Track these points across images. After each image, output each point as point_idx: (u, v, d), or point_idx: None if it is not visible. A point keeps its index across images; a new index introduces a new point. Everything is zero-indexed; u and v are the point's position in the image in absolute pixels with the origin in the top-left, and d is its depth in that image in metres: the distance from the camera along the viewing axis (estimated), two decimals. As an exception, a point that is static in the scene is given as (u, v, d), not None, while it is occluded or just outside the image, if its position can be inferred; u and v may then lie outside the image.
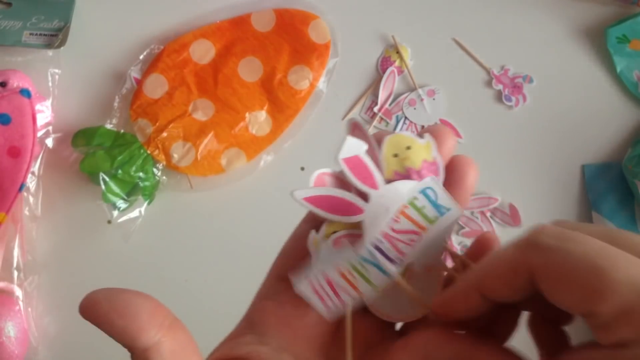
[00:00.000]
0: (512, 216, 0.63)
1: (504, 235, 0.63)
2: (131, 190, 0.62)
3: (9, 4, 0.63)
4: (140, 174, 0.61)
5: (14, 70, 0.62)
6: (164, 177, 0.63)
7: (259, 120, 0.63)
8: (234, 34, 0.63)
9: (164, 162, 0.62)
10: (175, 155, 0.62)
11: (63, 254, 0.63)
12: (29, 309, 0.61)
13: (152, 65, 0.63)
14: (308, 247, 0.31)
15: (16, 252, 0.61)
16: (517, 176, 0.64)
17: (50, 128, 0.63)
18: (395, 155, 0.30)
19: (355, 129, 0.31)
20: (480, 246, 0.31)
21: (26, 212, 0.62)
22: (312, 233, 0.31)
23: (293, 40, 0.63)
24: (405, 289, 0.30)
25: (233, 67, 0.63)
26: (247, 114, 0.63)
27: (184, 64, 0.63)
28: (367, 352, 0.31)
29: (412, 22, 0.65)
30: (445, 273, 0.31)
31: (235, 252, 0.64)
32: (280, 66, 0.63)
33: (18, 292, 0.61)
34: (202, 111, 0.63)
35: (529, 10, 0.65)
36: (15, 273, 0.61)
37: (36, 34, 0.63)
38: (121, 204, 0.61)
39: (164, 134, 0.62)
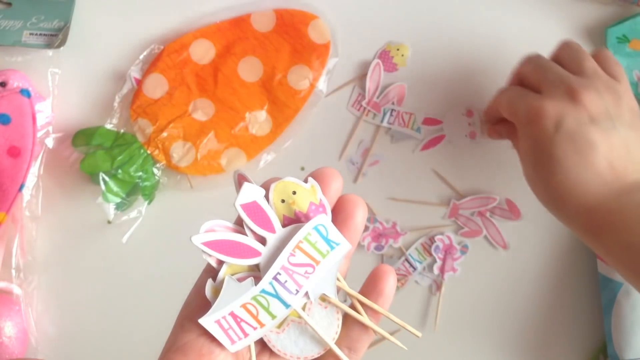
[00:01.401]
0: (511, 210, 0.63)
1: (508, 230, 0.63)
2: (131, 190, 0.62)
3: (9, 4, 0.64)
4: (140, 174, 0.62)
5: (14, 70, 0.62)
6: (164, 177, 0.63)
7: (259, 120, 0.63)
8: (234, 34, 0.63)
9: (164, 162, 0.62)
10: (175, 155, 0.62)
11: (63, 254, 0.63)
12: (29, 309, 0.61)
13: (152, 65, 0.63)
14: (206, 295, 0.33)
15: (16, 252, 0.61)
16: (516, 175, 0.64)
17: (50, 128, 0.63)
18: (283, 201, 0.33)
19: (242, 180, 0.34)
20: (374, 281, 0.35)
21: (26, 212, 0.62)
22: (209, 282, 0.33)
23: (293, 40, 0.63)
24: (305, 320, 0.33)
25: (233, 67, 0.63)
26: (247, 114, 0.63)
27: (184, 64, 0.63)
28: None
29: (412, 23, 0.65)
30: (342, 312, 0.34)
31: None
32: (280, 66, 0.63)
33: (18, 292, 0.61)
34: (202, 111, 0.63)
35: (528, 10, 0.65)
36: (15, 273, 0.61)
37: (36, 34, 0.63)
38: (121, 204, 0.62)
39: (164, 134, 0.62)
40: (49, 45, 0.62)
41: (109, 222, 0.62)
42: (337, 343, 0.34)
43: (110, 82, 0.64)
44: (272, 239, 0.33)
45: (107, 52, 0.64)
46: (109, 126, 0.62)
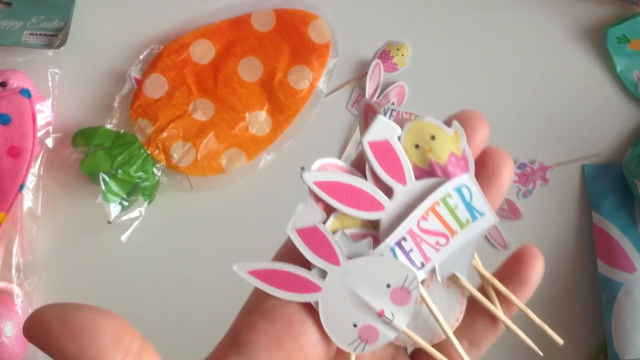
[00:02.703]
0: (511, 210, 0.63)
1: (508, 230, 0.63)
2: (131, 190, 0.62)
3: (9, 4, 0.63)
4: (141, 174, 0.61)
5: (14, 70, 0.62)
6: (164, 177, 0.63)
7: (259, 120, 0.63)
8: (234, 34, 0.63)
9: (164, 162, 0.62)
10: (175, 155, 0.62)
11: (63, 254, 0.63)
12: (29, 309, 0.61)
13: (152, 65, 0.63)
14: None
15: (16, 252, 0.61)
16: (517, 176, 0.64)
17: (50, 128, 0.63)
18: (417, 146, 0.26)
19: (369, 112, 0.28)
20: (516, 264, 0.28)
21: (26, 212, 0.62)
22: (319, 225, 0.26)
23: (293, 40, 0.63)
24: (427, 302, 0.27)
25: (233, 67, 0.63)
26: (247, 114, 0.63)
27: (184, 64, 0.63)
28: None
29: (413, 23, 0.65)
30: (468, 294, 0.28)
31: (235, 252, 0.64)
32: (280, 66, 0.63)
33: (18, 292, 0.61)
34: (202, 111, 0.63)
35: (528, 10, 0.65)
36: (15, 273, 0.61)
37: (36, 34, 0.62)
38: (121, 204, 0.62)
39: (164, 134, 0.62)
40: (49, 45, 0.62)
41: (109, 222, 0.62)
42: (456, 333, 0.29)
43: (110, 82, 0.64)
44: (400, 192, 0.26)
45: (107, 52, 0.64)
46: (109, 126, 0.62)
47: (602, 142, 0.64)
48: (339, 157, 0.64)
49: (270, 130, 0.63)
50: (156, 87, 0.62)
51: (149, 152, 0.62)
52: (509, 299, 0.28)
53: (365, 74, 0.64)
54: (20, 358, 0.60)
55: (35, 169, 0.62)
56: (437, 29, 0.65)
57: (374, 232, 0.26)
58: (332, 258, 0.25)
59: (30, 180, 0.62)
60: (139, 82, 0.63)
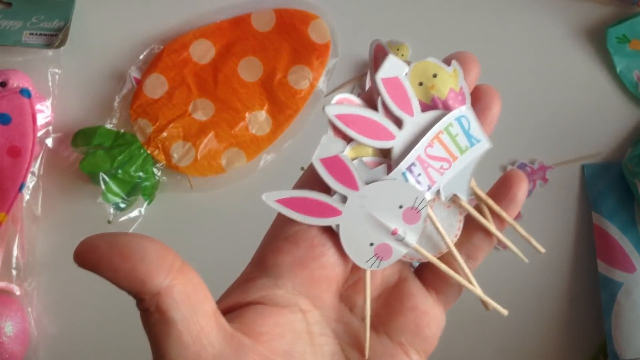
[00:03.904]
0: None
1: (508, 230, 0.63)
2: (131, 190, 0.62)
3: (9, 4, 0.63)
4: (140, 174, 0.62)
5: (14, 70, 0.62)
6: (164, 177, 0.63)
7: (259, 120, 0.63)
8: (234, 34, 0.63)
9: (164, 162, 0.62)
10: (175, 155, 0.62)
11: (63, 254, 0.63)
12: (29, 309, 0.61)
13: (152, 65, 0.63)
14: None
15: (16, 252, 0.61)
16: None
17: (50, 128, 0.63)
18: (421, 84, 0.29)
19: (379, 53, 0.29)
20: (505, 185, 0.31)
21: (26, 212, 0.62)
22: (340, 155, 0.29)
23: (293, 40, 0.63)
24: (433, 220, 0.30)
25: (233, 67, 0.63)
26: (247, 114, 0.63)
27: (184, 63, 0.63)
28: (384, 293, 0.31)
29: (413, 23, 0.65)
30: (464, 213, 0.31)
31: (235, 252, 0.64)
32: (280, 66, 0.63)
33: (18, 292, 0.61)
34: (202, 111, 0.63)
35: (528, 10, 0.65)
36: (15, 273, 0.61)
37: (36, 34, 0.63)
38: (121, 203, 0.62)
39: (164, 134, 0.62)
40: (49, 45, 0.62)
41: (109, 222, 0.62)
42: (456, 247, 0.31)
43: (110, 82, 0.64)
44: (409, 123, 0.29)
45: (107, 52, 0.64)
46: (109, 126, 0.62)
47: (602, 142, 0.64)
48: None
49: (270, 130, 0.63)
50: (156, 87, 0.62)
51: (149, 152, 0.62)
52: (500, 215, 0.31)
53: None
54: (20, 358, 0.60)
55: (35, 169, 0.62)
56: (437, 29, 0.65)
57: (387, 160, 0.29)
58: (352, 184, 0.28)
59: (30, 180, 0.62)
60: (139, 82, 0.63)
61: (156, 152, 0.62)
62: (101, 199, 0.61)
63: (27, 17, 0.63)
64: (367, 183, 0.28)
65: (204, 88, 0.63)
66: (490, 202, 0.31)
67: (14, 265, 0.61)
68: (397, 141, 0.29)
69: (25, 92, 0.60)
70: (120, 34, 0.64)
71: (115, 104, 0.63)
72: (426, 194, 0.29)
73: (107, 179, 0.60)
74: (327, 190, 0.29)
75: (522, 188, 0.31)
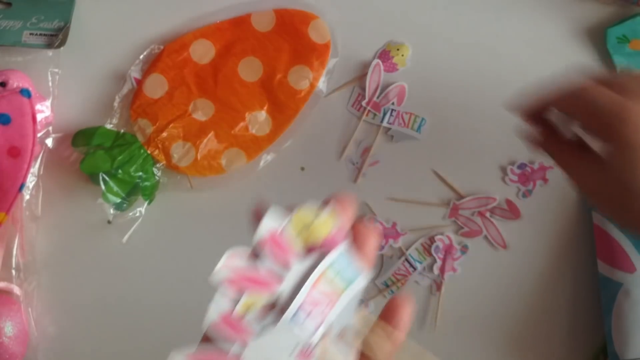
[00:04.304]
0: (511, 211, 0.63)
1: (508, 230, 0.63)
2: (131, 190, 0.62)
3: (9, 4, 0.63)
4: (141, 174, 0.62)
5: (14, 70, 0.62)
6: (164, 177, 0.63)
7: (259, 120, 0.63)
8: (234, 34, 0.63)
9: (164, 162, 0.62)
10: (175, 155, 0.62)
11: (63, 254, 0.63)
12: (29, 309, 0.61)
13: (152, 65, 0.63)
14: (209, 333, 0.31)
15: (16, 252, 0.61)
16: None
17: (50, 128, 0.63)
18: (302, 230, 0.32)
19: (259, 214, 0.32)
20: (392, 309, 0.35)
21: (26, 212, 0.62)
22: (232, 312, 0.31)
23: (293, 40, 0.63)
24: (327, 358, 0.31)
25: (233, 67, 0.63)
26: (247, 114, 0.63)
27: (184, 64, 0.63)
28: None
29: (413, 23, 0.65)
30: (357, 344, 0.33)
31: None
32: (280, 66, 0.63)
33: (18, 292, 0.61)
34: (202, 111, 0.63)
35: (528, 10, 0.65)
36: (15, 273, 0.61)
37: (36, 34, 0.63)
38: (121, 204, 0.62)
39: (164, 134, 0.62)
40: (49, 45, 0.62)
41: (109, 222, 0.63)
42: None
43: (110, 82, 0.64)
44: (293, 270, 0.31)
45: (107, 52, 0.64)
46: (109, 126, 0.62)
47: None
48: (339, 158, 0.64)
49: (270, 130, 0.63)
50: (156, 87, 0.62)
51: (149, 152, 0.62)
52: (392, 336, 0.34)
53: (365, 74, 0.64)
54: (20, 358, 0.60)
55: (35, 169, 0.62)
56: (437, 29, 0.65)
57: (277, 308, 0.31)
58: (245, 337, 0.30)
59: (30, 180, 0.62)
60: (139, 82, 0.63)
61: (156, 152, 0.62)
62: (101, 199, 0.61)
63: (27, 17, 0.63)
64: (260, 333, 0.30)
65: (204, 88, 0.63)
66: (381, 324, 0.34)
67: (14, 265, 0.61)
68: (284, 288, 0.31)
69: (25, 92, 0.60)
70: (121, 34, 0.64)
71: (115, 104, 0.63)
72: (315, 335, 0.31)
73: (107, 179, 0.60)
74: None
75: (406, 312, 0.34)
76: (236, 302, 0.30)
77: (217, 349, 0.30)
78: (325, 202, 0.33)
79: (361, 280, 0.33)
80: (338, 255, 0.32)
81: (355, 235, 0.33)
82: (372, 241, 0.34)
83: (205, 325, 0.30)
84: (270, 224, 0.31)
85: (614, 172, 0.44)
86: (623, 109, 0.43)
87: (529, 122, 0.52)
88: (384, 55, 0.64)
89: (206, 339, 0.32)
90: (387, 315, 0.35)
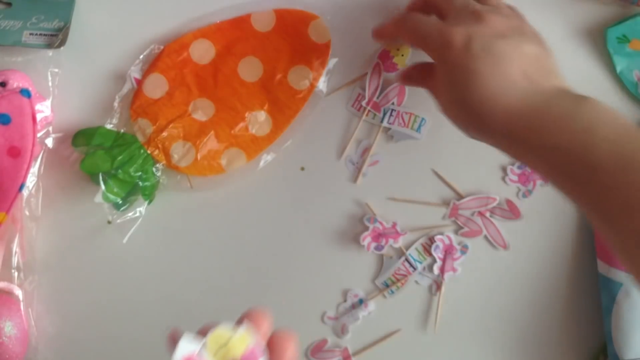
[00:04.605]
0: (511, 211, 0.63)
1: (508, 230, 0.63)
2: (131, 190, 0.62)
3: (9, 4, 0.63)
4: (140, 174, 0.62)
5: (14, 70, 0.62)
6: (164, 177, 0.63)
7: (259, 120, 0.63)
8: (234, 34, 0.63)
9: (164, 162, 0.62)
10: (175, 155, 0.62)
11: (63, 254, 0.63)
12: (29, 309, 0.61)
13: (152, 65, 0.63)
14: None
15: (16, 252, 0.61)
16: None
17: (50, 128, 0.63)
18: (218, 351, 0.33)
19: (174, 338, 0.34)
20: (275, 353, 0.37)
21: (26, 212, 0.62)
22: None
23: (293, 40, 0.63)
24: None
25: (233, 67, 0.63)
26: (247, 114, 0.63)
27: (183, 64, 0.63)
28: None
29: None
30: None
31: (236, 252, 0.64)
32: (280, 66, 0.63)
33: (18, 292, 0.61)
34: (202, 111, 0.63)
35: (528, 11, 0.65)
36: (15, 273, 0.61)
37: (36, 34, 0.62)
38: (121, 203, 0.62)
39: (164, 134, 0.62)
40: (49, 45, 0.62)
41: (108, 222, 0.63)
42: None
43: (110, 82, 0.64)
44: None
45: (107, 52, 0.64)
46: (109, 126, 0.62)
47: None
48: (339, 158, 0.64)
49: (270, 130, 0.63)
50: (156, 87, 0.62)
51: (149, 152, 0.62)
52: None
53: (365, 74, 0.64)
54: (20, 358, 0.60)
55: (35, 169, 0.62)
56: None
57: None
58: None
59: (30, 180, 0.62)
60: (139, 82, 0.63)
61: (156, 152, 0.62)
62: (100, 199, 0.60)
63: (27, 17, 0.63)
64: None
65: (204, 88, 0.63)
66: None
67: (14, 265, 0.61)
68: None
69: (25, 92, 0.60)
70: (121, 34, 0.64)
71: (115, 104, 0.63)
72: None
73: (107, 179, 0.60)
74: None
75: (290, 349, 0.37)
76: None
77: None
78: (240, 321, 0.36)
79: None
80: None
81: (273, 346, 0.36)
82: (291, 349, 0.36)
83: None
84: (186, 347, 0.32)
85: (445, 87, 0.51)
86: (444, 34, 0.50)
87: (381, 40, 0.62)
88: (384, 55, 0.64)
89: None
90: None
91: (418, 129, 0.64)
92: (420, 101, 0.64)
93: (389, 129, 0.64)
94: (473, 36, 0.49)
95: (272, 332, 0.37)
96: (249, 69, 0.63)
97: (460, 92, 0.49)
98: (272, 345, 0.36)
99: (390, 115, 0.64)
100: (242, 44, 0.63)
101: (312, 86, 0.63)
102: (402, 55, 0.64)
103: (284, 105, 0.63)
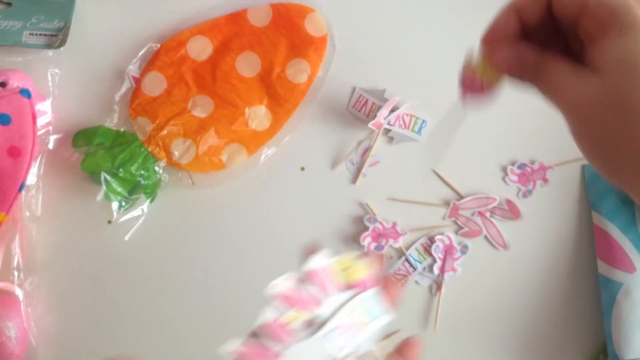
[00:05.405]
0: (511, 211, 0.63)
1: (508, 230, 0.63)
2: (133, 189, 0.62)
3: (9, 4, 0.64)
4: (142, 172, 0.62)
5: (14, 70, 0.62)
6: (166, 175, 0.63)
7: (258, 115, 0.63)
8: (231, 30, 0.63)
9: (165, 160, 0.63)
10: (176, 153, 0.62)
11: (63, 254, 0.64)
12: (29, 309, 0.62)
13: (150, 63, 0.63)
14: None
15: (16, 252, 0.61)
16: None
17: (50, 128, 0.63)
18: (341, 271, 0.39)
19: (310, 252, 0.39)
20: (406, 347, 0.40)
21: (26, 212, 0.62)
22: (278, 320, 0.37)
23: (290, 34, 0.63)
24: None
25: (231, 62, 0.63)
26: (246, 109, 0.63)
27: (181, 61, 0.63)
28: None
29: (409, 15, 0.65)
30: None
31: (238, 248, 0.64)
32: (278, 60, 0.63)
33: (18, 292, 0.61)
34: (201, 108, 0.63)
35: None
36: (15, 273, 0.61)
37: (36, 34, 0.63)
38: (124, 202, 0.62)
39: (164, 132, 0.62)
40: (49, 45, 0.62)
41: (109, 222, 0.63)
42: None
43: (110, 82, 0.64)
44: (332, 298, 0.38)
45: (106, 51, 0.64)
46: (109, 125, 0.62)
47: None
48: (340, 158, 0.64)
49: (270, 124, 0.63)
50: (155, 85, 0.63)
51: (149, 150, 0.62)
52: None
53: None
54: (21, 358, 0.60)
55: (35, 169, 0.62)
56: (437, 29, 0.65)
57: (314, 325, 0.38)
58: (287, 341, 0.37)
59: (30, 180, 0.62)
60: (138, 81, 0.63)
61: (157, 150, 0.62)
62: (102, 198, 0.61)
63: (27, 17, 0.63)
64: (298, 341, 0.37)
65: (203, 85, 0.63)
66: (394, 357, 0.39)
67: (14, 266, 0.61)
68: (320, 312, 0.38)
69: (25, 92, 0.60)
70: (119, 33, 0.64)
71: (115, 103, 0.63)
72: (341, 352, 0.37)
73: (108, 178, 0.61)
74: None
75: (418, 350, 0.40)
76: (283, 313, 0.37)
77: (262, 345, 0.36)
78: (365, 254, 0.40)
79: (384, 318, 0.39)
80: (368, 295, 0.39)
81: (384, 286, 0.40)
82: (397, 292, 0.40)
83: (258, 324, 0.36)
84: (319, 260, 0.38)
85: (612, 76, 0.31)
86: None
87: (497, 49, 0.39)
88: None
89: (252, 335, 0.37)
90: (402, 349, 0.40)
91: (419, 131, 0.64)
92: (421, 103, 0.64)
93: (390, 130, 0.64)
94: None
95: (386, 275, 0.41)
96: (247, 64, 0.63)
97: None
98: (384, 285, 0.40)
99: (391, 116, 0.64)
100: (239, 40, 0.63)
101: (311, 79, 0.63)
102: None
103: (283, 99, 0.63)
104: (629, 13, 0.31)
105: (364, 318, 0.38)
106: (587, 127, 0.33)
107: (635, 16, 0.30)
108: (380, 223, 0.63)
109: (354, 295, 0.39)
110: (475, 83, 0.39)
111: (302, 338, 0.37)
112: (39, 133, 0.61)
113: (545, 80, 0.35)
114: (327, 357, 0.37)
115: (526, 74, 0.36)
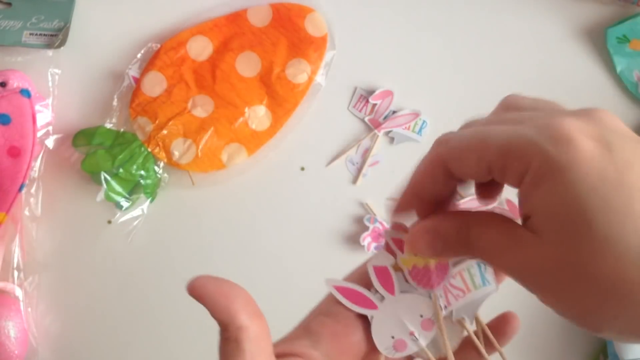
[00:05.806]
0: (511, 211, 0.63)
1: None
2: (133, 189, 0.62)
3: (9, 4, 0.64)
4: (142, 172, 0.62)
5: (14, 70, 0.62)
6: (166, 175, 0.63)
7: (258, 115, 0.63)
8: (231, 30, 0.63)
9: (165, 160, 0.63)
10: (176, 153, 0.62)
11: (63, 254, 0.63)
12: (29, 309, 0.61)
13: (150, 63, 0.63)
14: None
15: (16, 252, 0.61)
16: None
17: (50, 128, 0.63)
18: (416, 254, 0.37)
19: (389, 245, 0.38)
20: (502, 322, 0.39)
21: (26, 212, 0.62)
22: (388, 266, 0.37)
23: (290, 34, 0.63)
24: (442, 332, 0.37)
25: (231, 62, 0.63)
26: (246, 109, 0.63)
27: (181, 61, 0.63)
28: None
29: (410, 15, 0.65)
30: (466, 333, 0.38)
31: (238, 248, 0.64)
32: (278, 60, 0.63)
33: (18, 292, 0.61)
34: (201, 107, 0.63)
35: (529, 11, 0.65)
36: (15, 273, 0.61)
37: (36, 34, 0.63)
38: (124, 202, 0.62)
39: (164, 132, 0.62)
40: (49, 45, 0.62)
41: (109, 222, 0.63)
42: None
43: (110, 82, 0.64)
44: (389, 298, 0.37)
45: (106, 51, 0.64)
46: (108, 125, 0.63)
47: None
48: (340, 158, 0.64)
49: (270, 124, 0.64)
50: (154, 85, 0.63)
51: (149, 150, 0.62)
52: (492, 343, 0.38)
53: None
54: (21, 358, 0.60)
55: (35, 169, 0.62)
56: (436, 29, 0.65)
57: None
58: (391, 290, 0.37)
59: (30, 180, 0.62)
60: (138, 81, 0.63)
61: (157, 149, 0.62)
62: (102, 198, 0.61)
63: (27, 17, 0.63)
64: (402, 292, 0.36)
65: (203, 84, 0.63)
66: (487, 330, 0.39)
67: (14, 265, 0.61)
68: (378, 311, 0.37)
69: (25, 92, 0.60)
70: (119, 33, 0.64)
71: (115, 103, 0.63)
72: (442, 312, 0.37)
73: (108, 178, 0.61)
74: (370, 286, 0.37)
75: (515, 327, 0.39)
76: (393, 260, 0.37)
77: (360, 289, 0.36)
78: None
79: (488, 288, 0.38)
80: (476, 263, 0.38)
81: (498, 320, 0.39)
82: (515, 323, 0.39)
83: (368, 267, 0.36)
84: (383, 257, 0.37)
85: (549, 237, 0.27)
86: (550, 126, 0.27)
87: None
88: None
89: (353, 276, 0.38)
90: (497, 324, 0.39)
91: (419, 132, 0.64)
92: (420, 102, 0.64)
93: (390, 130, 0.64)
94: (603, 132, 0.27)
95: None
96: (247, 64, 0.63)
97: (605, 229, 0.25)
98: (496, 320, 0.39)
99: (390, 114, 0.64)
100: (239, 40, 0.63)
101: (311, 79, 0.63)
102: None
103: (283, 99, 0.63)
104: (543, 155, 0.26)
105: (469, 284, 0.38)
106: (540, 291, 0.28)
107: (556, 160, 0.26)
108: (380, 223, 0.63)
109: (463, 261, 0.38)
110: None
111: (408, 289, 0.37)
112: (39, 133, 0.61)
113: (477, 252, 0.31)
114: (429, 313, 0.37)
115: (454, 251, 0.32)
